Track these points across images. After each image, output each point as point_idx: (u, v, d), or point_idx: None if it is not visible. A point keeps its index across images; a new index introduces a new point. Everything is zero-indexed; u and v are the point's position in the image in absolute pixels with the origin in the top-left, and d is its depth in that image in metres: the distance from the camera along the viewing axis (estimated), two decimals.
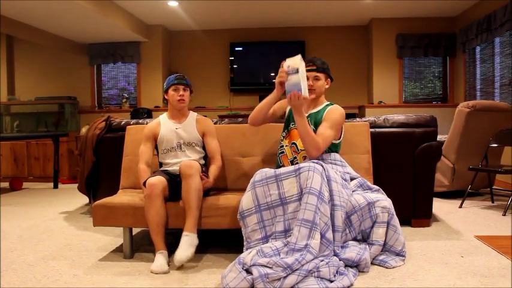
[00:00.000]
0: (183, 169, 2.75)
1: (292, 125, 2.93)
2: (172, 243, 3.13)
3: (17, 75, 8.45)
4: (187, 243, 2.61)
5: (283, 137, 3.02)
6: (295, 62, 2.62)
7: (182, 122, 3.13)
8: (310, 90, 2.88)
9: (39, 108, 7.86)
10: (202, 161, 3.15)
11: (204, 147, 3.16)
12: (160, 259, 2.63)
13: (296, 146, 2.89)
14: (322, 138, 2.76)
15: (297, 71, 2.59)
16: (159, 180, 2.76)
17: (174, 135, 3.09)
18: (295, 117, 2.70)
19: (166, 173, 2.94)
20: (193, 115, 3.20)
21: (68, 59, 8.34)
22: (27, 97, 8.12)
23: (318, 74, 2.92)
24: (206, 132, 3.15)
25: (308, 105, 2.99)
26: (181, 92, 3.08)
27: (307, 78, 2.85)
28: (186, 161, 2.82)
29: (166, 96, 3.13)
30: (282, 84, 2.72)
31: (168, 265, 2.63)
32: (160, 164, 3.15)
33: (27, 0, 5.33)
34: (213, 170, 3.05)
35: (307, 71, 2.85)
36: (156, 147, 3.16)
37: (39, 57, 8.40)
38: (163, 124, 3.13)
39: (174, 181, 2.90)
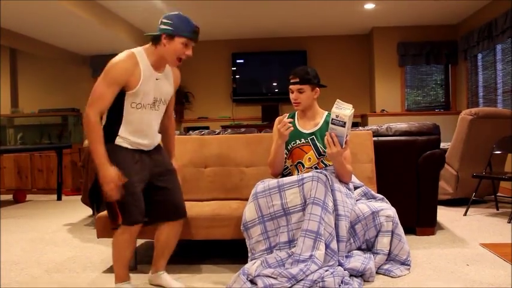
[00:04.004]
0: (174, 215, 2.52)
1: (293, 144, 2.84)
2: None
3: (20, 88, 8.50)
4: (173, 279, 2.53)
5: (285, 158, 2.89)
6: (345, 114, 2.55)
7: (162, 71, 2.42)
8: (296, 103, 2.82)
9: (43, 121, 7.89)
10: None
11: None
12: None
13: (302, 164, 2.82)
14: (348, 162, 2.76)
15: (343, 124, 2.54)
16: (141, 222, 2.39)
17: (153, 87, 2.35)
18: (335, 164, 2.68)
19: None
20: None
21: (70, 71, 8.39)
22: (30, 109, 8.15)
23: (302, 86, 2.78)
24: (176, 85, 2.56)
25: (304, 122, 2.90)
26: (190, 51, 2.34)
27: (292, 92, 2.82)
28: (180, 205, 2.52)
29: (164, 40, 2.28)
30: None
31: None
32: (114, 129, 2.33)
33: (27, 6, 5.35)
34: (173, 142, 2.67)
35: (290, 84, 2.81)
36: (121, 96, 2.30)
37: (42, 70, 8.45)
38: (144, 70, 2.31)
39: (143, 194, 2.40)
